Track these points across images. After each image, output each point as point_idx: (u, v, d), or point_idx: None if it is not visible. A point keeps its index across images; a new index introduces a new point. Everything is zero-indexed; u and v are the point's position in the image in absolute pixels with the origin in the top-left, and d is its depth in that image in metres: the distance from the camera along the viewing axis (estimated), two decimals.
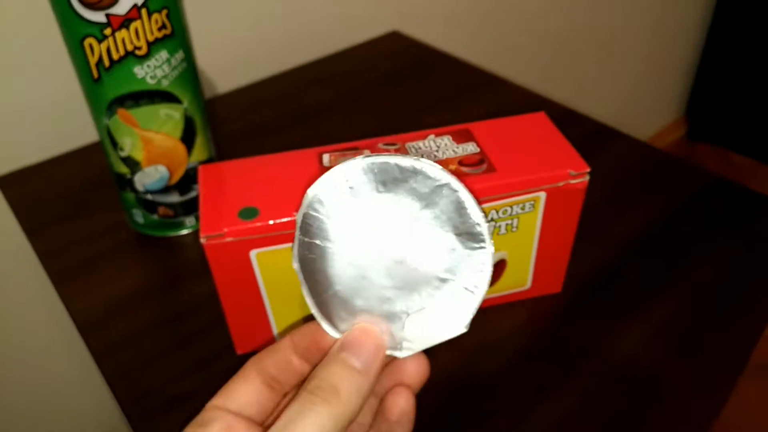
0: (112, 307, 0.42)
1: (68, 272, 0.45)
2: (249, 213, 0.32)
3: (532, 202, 0.34)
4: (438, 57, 0.71)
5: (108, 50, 0.37)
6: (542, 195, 0.34)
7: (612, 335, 0.38)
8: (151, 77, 0.39)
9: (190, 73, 0.41)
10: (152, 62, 0.38)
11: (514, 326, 0.39)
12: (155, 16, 0.37)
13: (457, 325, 0.23)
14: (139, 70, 0.38)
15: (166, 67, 0.39)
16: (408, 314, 0.23)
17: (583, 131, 0.57)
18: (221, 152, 0.56)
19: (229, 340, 0.39)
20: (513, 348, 0.38)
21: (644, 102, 1.51)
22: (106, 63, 0.37)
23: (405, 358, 0.24)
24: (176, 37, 0.39)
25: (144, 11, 0.36)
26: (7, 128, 0.58)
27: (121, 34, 0.37)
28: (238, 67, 0.69)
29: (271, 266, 0.33)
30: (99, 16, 0.36)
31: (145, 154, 0.42)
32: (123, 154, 0.42)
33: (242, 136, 0.59)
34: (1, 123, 0.57)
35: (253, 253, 0.32)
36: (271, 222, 0.31)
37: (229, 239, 0.31)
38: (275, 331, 0.36)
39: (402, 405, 0.24)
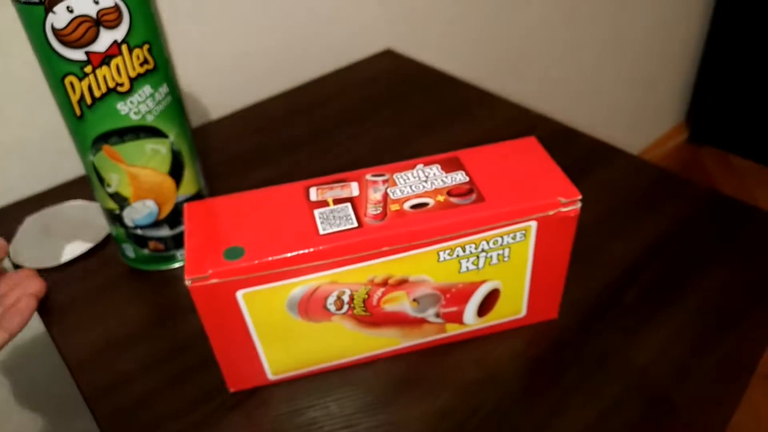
0: (104, 345, 0.41)
1: (60, 309, 0.45)
2: (234, 253, 0.31)
3: (523, 232, 0.34)
4: (432, 75, 0.71)
5: (90, 87, 0.37)
6: (533, 224, 0.34)
7: (613, 359, 0.37)
8: (135, 113, 0.38)
9: (175, 107, 0.41)
10: (135, 98, 0.38)
11: (512, 355, 0.38)
12: (137, 51, 0.37)
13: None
14: (123, 107, 0.38)
15: (150, 102, 0.39)
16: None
17: (578, 148, 0.57)
18: (211, 181, 0.56)
19: (222, 377, 0.38)
20: (512, 377, 0.37)
21: (645, 107, 1.50)
22: (88, 100, 0.37)
23: (28, 280, 0.41)
24: (159, 71, 0.38)
25: (125, 47, 0.36)
26: (6, 162, 0.58)
27: (102, 71, 0.36)
28: (229, 92, 0.69)
29: (259, 305, 0.32)
30: (78, 54, 0.35)
31: (133, 189, 0.42)
32: (110, 190, 0.42)
33: (233, 163, 0.58)
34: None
35: (240, 294, 0.31)
36: (256, 262, 0.31)
37: (214, 281, 0.31)
38: (267, 367, 0.36)
39: (24, 302, 0.40)
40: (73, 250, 0.49)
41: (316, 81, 0.71)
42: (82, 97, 0.37)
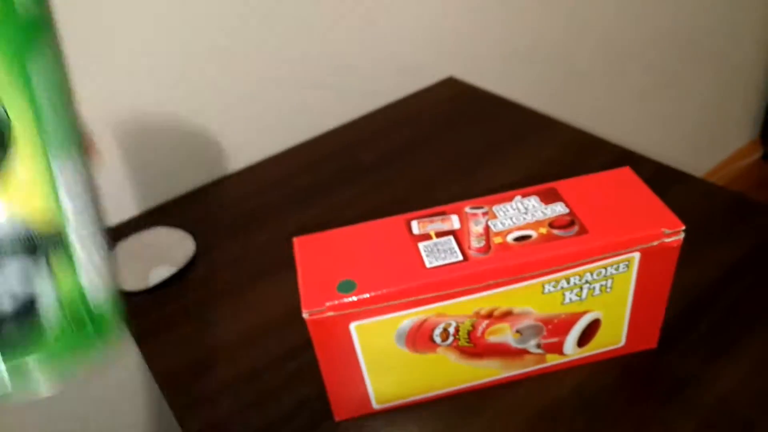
0: (192, 366, 0.43)
1: (149, 330, 0.47)
2: (347, 286, 0.32)
3: (627, 263, 0.34)
4: (494, 101, 0.71)
5: None
6: (636, 255, 0.34)
7: (691, 388, 0.37)
8: None
9: None
10: None
11: (585, 381, 0.38)
12: None
13: None
14: None
15: None
16: None
17: (643, 173, 0.56)
18: (295, 205, 0.58)
19: (307, 397, 0.39)
20: (589, 401, 0.37)
21: (716, 124, 1.47)
22: None
23: None
24: None
25: None
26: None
27: None
28: (297, 121, 0.71)
29: (370, 336, 0.33)
30: None
31: None
32: None
33: (307, 191, 0.60)
34: None
35: (353, 325, 0.33)
36: (369, 295, 0.32)
37: (330, 314, 0.32)
38: (372, 396, 0.37)
39: None
40: (160, 274, 0.52)
41: (381, 110, 0.73)
42: None
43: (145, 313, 0.49)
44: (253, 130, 0.68)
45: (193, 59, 0.61)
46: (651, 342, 0.39)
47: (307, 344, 0.44)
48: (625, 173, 0.38)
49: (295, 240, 0.36)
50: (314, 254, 0.35)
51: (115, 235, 0.57)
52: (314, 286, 0.33)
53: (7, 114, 0.19)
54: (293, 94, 0.70)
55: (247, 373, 0.42)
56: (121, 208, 0.62)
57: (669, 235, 0.34)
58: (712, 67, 1.32)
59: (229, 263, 0.53)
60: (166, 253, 0.54)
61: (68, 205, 0.21)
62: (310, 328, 0.32)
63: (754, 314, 0.42)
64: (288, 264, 0.52)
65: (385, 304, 0.32)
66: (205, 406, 0.40)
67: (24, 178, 0.19)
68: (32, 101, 0.19)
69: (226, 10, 0.61)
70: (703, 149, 1.48)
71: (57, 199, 0.20)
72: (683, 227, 0.34)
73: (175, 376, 0.43)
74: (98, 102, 0.58)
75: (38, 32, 0.19)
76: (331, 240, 0.36)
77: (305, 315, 0.32)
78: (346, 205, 0.57)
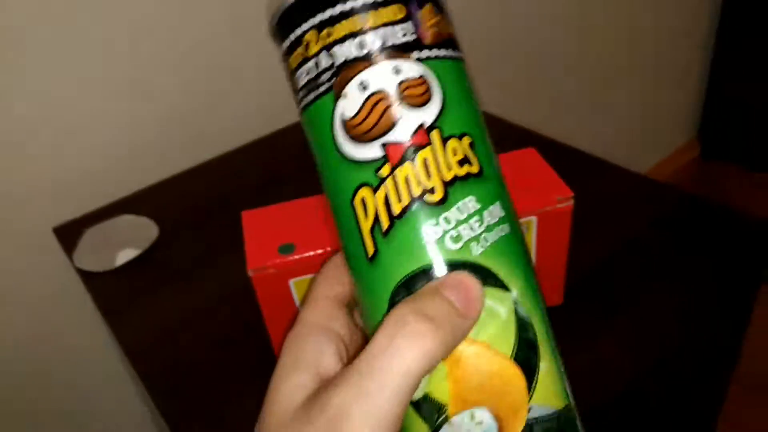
0: (156, 333, 0.48)
1: (115, 305, 0.51)
2: (287, 248, 0.38)
3: (526, 226, 0.40)
4: None
5: (386, 201, 0.23)
6: (534, 219, 0.40)
7: (593, 339, 0.43)
8: (453, 239, 0.23)
9: (515, 244, 0.24)
10: (453, 213, 0.23)
11: None
12: (453, 143, 0.24)
13: None
14: (432, 228, 0.23)
15: (476, 224, 0.23)
16: None
17: (566, 162, 0.63)
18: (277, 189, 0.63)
19: (260, 351, 0.44)
20: None
21: (655, 124, 1.56)
22: (385, 223, 0.23)
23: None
24: (488, 180, 0.24)
25: (435, 135, 0.23)
26: (68, 184, 0.65)
27: (404, 170, 0.23)
28: (257, 118, 0.76)
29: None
30: (372, 150, 0.23)
31: (453, 387, 0.23)
32: (416, 394, 0.22)
33: (266, 183, 0.65)
34: (62, 180, 0.64)
35: (292, 281, 0.38)
36: (305, 255, 0.37)
37: (271, 271, 0.37)
38: None
39: None
40: (125, 256, 0.57)
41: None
42: (376, 221, 0.23)
43: (111, 290, 0.54)
44: (215, 126, 0.73)
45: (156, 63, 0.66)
46: (557, 298, 0.45)
47: (256, 309, 0.49)
48: (530, 153, 0.44)
49: (243, 213, 0.41)
50: (260, 224, 0.40)
51: (86, 222, 0.62)
52: (258, 249, 0.38)
53: (528, 314, 0.23)
54: (256, 91, 0.75)
55: (203, 338, 0.47)
56: (92, 198, 0.66)
57: (561, 201, 0.40)
58: (652, 68, 1.41)
59: (188, 246, 0.57)
60: (131, 237, 0.59)
61: (569, 387, 0.24)
62: (255, 284, 0.37)
63: (648, 280, 0.48)
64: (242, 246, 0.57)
65: (319, 262, 0.38)
66: (166, 371, 0.45)
67: (547, 372, 0.23)
68: (529, 282, 0.24)
69: None
70: (643, 148, 1.57)
71: (566, 389, 0.24)
72: (572, 195, 0.40)
73: (139, 345, 0.48)
74: (68, 101, 0.62)
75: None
76: (276, 213, 0.41)
77: (250, 273, 0.37)
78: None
